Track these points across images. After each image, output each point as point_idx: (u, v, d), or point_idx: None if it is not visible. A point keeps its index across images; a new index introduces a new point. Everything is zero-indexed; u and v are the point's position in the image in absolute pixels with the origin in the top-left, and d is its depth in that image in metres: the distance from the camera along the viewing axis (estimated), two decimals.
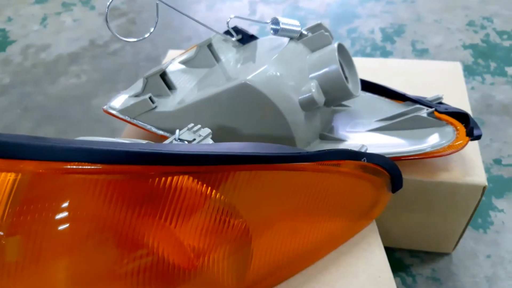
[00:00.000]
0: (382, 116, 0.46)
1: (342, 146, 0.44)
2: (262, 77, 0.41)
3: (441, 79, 0.54)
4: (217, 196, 0.29)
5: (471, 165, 0.44)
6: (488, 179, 0.60)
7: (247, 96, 0.41)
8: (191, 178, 0.28)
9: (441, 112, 0.42)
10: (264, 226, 0.33)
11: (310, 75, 0.43)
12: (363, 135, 0.45)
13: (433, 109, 0.43)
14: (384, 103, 0.48)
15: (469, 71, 0.77)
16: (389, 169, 0.37)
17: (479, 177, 0.43)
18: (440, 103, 0.46)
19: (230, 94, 0.42)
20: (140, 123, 0.47)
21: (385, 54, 0.82)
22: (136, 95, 0.49)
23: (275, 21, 0.44)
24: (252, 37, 0.56)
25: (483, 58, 0.79)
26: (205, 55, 0.53)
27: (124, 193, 0.28)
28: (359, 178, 0.36)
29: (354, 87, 0.45)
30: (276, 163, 0.29)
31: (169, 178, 0.28)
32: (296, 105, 0.42)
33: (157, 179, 0.27)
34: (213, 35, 0.54)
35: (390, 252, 0.55)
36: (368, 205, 0.39)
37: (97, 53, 0.91)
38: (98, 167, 0.26)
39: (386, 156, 0.41)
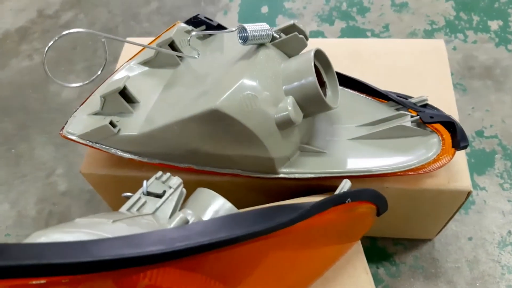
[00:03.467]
0: (363, 121, 0.43)
1: (323, 158, 0.42)
2: (233, 100, 0.37)
3: (423, 61, 0.51)
4: (193, 274, 0.27)
5: (456, 168, 0.42)
6: (470, 154, 0.60)
7: (218, 122, 0.37)
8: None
9: (426, 122, 0.40)
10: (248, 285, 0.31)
11: (285, 87, 0.39)
12: (344, 145, 0.42)
13: (417, 116, 0.40)
14: (365, 104, 0.45)
15: (451, 28, 0.72)
16: (374, 200, 0.35)
17: (464, 182, 0.42)
18: (426, 105, 0.43)
19: (200, 120, 0.38)
20: (104, 147, 0.43)
21: (363, 10, 0.76)
22: (96, 113, 0.44)
23: (242, 30, 0.39)
24: (219, 27, 0.50)
25: (465, 11, 0.74)
26: (167, 55, 0.48)
27: None
28: (346, 218, 0.34)
29: (333, 95, 0.41)
30: (255, 238, 0.27)
31: (142, 275, 0.25)
32: (273, 126, 0.38)
33: (129, 277, 0.25)
34: (174, 30, 0.48)
35: (373, 241, 0.55)
36: (354, 232, 0.38)
37: (47, 27, 0.82)
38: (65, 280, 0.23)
39: (370, 173, 0.40)
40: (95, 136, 0.43)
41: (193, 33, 0.38)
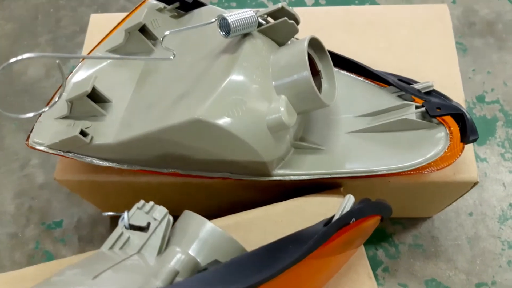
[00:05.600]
0: (362, 111, 0.39)
1: (321, 156, 0.38)
2: (217, 107, 0.32)
3: (426, 32, 0.46)
4: None
5: (462, 157, 0.39)
6: None
7: (202, 130, 0.33)
8: None
9: (433, 116, 0.36)
10: None
11: (275, 84, 0.35)
12: (342, 139, 0.39)
13: (423, 108, 0.36)
14: (364, 89, 0.41)
15: None
16: (379, 212, 0.32)
17: (471, 173, 0.39)
18: (432, 91, 0.38)
19: (182, 129, 0.33)
20: (77, 156, 0.39)
21: None
22: (64, 117, 0.39)
23: (223, 21, 0.33)
24: (195, 3, 0.44)
25: None
26: (137, 40, 0.42)
27: None
28: (350, 236, 0.31)
29: (329, 87, 0.37)
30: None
31: None
32: (264, 130, 0.34)
33: None
34: (144, 12, 0.42)
35: None
36: (357, 242, 0.35)
37: None
38: None
39: (373, 173, 0.36)
40: (65, 146, 0.38)
41: (166, 33, 0.32)
